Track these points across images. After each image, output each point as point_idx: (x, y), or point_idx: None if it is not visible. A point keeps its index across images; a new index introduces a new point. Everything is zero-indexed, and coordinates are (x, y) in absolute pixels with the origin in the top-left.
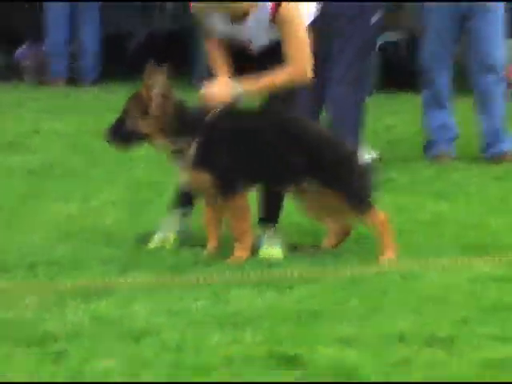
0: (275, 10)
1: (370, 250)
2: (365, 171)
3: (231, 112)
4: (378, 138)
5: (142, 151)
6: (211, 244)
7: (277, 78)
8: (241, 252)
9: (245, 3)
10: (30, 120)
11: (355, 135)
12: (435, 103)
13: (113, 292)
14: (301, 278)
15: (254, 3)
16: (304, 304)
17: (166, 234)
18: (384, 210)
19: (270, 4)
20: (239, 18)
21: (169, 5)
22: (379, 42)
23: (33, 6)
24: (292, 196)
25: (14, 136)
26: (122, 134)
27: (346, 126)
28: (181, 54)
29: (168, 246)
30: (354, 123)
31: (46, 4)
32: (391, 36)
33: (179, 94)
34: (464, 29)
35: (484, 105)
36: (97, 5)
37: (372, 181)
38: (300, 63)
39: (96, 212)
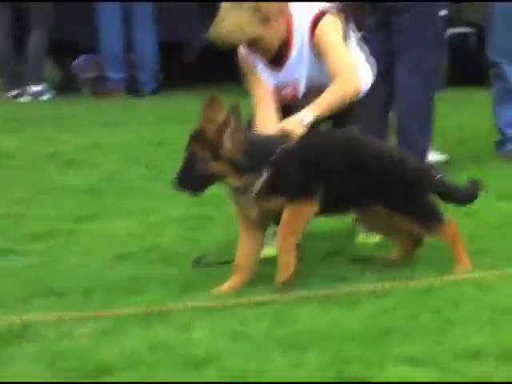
0: (312, 33)
1: (444, 258)
2: (432, 181)
3: (302, 138)
4: (446, 138)
5: None
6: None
7: (330, 97)
8: (287, 257)
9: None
10: (89, 134)
11: (427, 131)
12: (507, 98)
13: (172, 316)
14: (369, 292)
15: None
16: (372, 321)
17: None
18: (453, 214)
19: (306, 29)
20: (276, 60)
21: None
22: (447, 35)
23: (86, 16)
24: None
25: (72, 151)
26: (192, 181)
27: (417, 120)
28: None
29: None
30: (426, 117)
31: (98, 12)
32: (459, 29)
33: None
34: None
35: None
36: (151, 11)
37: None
38: (346, 75)
39: (155, 229)
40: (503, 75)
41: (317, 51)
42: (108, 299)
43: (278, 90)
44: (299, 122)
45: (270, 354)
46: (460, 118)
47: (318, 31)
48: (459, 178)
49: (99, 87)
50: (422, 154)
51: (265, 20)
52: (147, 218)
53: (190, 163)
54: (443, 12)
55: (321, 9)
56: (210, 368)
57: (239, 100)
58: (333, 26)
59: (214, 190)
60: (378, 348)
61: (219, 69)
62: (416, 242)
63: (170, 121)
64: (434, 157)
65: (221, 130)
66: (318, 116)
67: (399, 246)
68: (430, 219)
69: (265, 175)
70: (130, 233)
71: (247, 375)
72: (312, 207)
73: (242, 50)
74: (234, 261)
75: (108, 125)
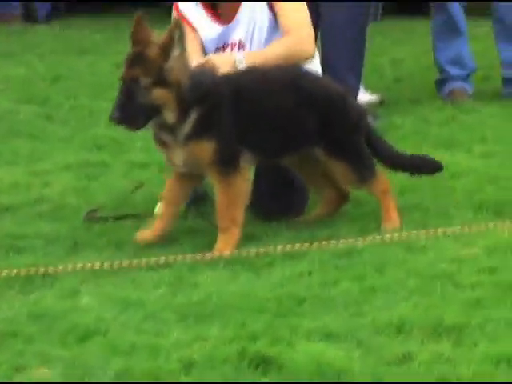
0: None
1: (370, 217)
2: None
3: (234, 75)
4: (381, 76)
5: (104, 104)
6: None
7: (276, 50)
8: (224, 245)
9: None
10: None
11: (356, 69)
12: (448, 31)
13: (57, 279)
14: (283, 254)
15: None
16: (284, 288)
17: None
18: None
19: None
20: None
21: None
22: None
23: None
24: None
25: None
26: (133, 113)
27: (345, 58)
28: None
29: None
30: (354, 55)
31: None
32: None
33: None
34: None
35: (506, 31)
36: None
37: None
38: (302, 33)
39: (44, 178)
40: (444, 5)
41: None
42: None
43: (217, 52)
44: (231, 61)
45: (166, 326)
46: (397, 52)
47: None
48: (393, 122)
49: None
50: (352, 94)
51: None
52: (36, 165)
53: (129, 91)
54: None
55: None
56: (96, 341)
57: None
58: None
59: (113, 132)
60: (288, 321)
61: None
62: (342, 198)
63: (69, 52)
64: (365, 97)
65: (165, 51)
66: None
67: (325, 201)
68: (365, 169)
69: (194, 112)
70: (14, 182)
71: (136, 351)
72: (244, 178)
73: (179, 4)
74: (133, 215)
75: (2, 56)
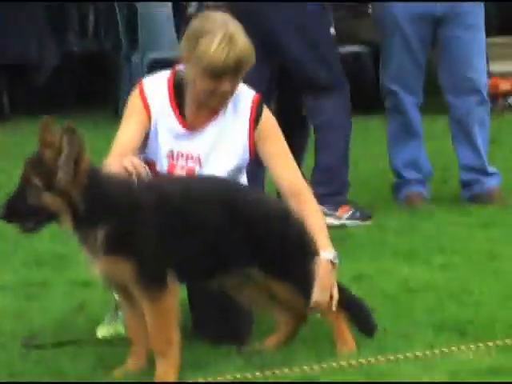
0: (255, 118)
1: (325, 338)
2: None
3: (154, 184)
4: None
5: None
6: (133, 359)
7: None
8: (166, 369)
9: None
10: None
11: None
12: (406, 134)
13: None
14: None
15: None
16: None
17: (113, 323)
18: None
19: (249, 105)
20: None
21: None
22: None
23: None
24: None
25: None
26: (22, 212)
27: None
28: (104, 80)
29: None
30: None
31: None
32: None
33: (104, 129)
34: (437, 36)
35: (464, 133)
36: None
37: None
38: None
39: None
40: (401, 107)
41: (261, 141)
42: None
43: (171, 157)
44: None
45: None
46: (352, 153)
47: (260, 134)
48: (347, 230)
49: None
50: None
51: None
52: None
53: (21, 191)
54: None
55: (255, 95)
56: None
57: (98, 130)
58: (275, 122)
59: (54, 247)
60: None
61: (76, 93)
62: (299, 318)
63: (13, 157)
64: None
65: (57, 156)
66: None
67: (280, 325)
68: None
69: (110, 224)
70: None
71: None
72: (173, 294)
73: (146, 86)
74: (72, 342)
75: None
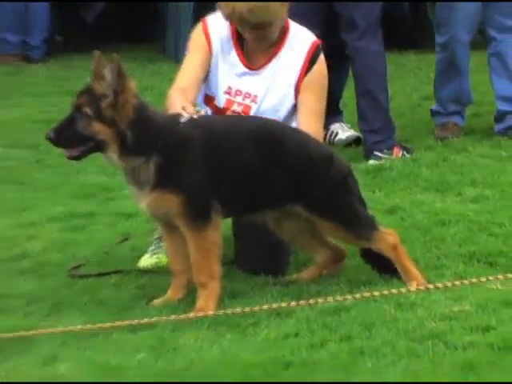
0: (309, 62)
1: (359, 270)
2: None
3: (203, 121)
4: None
5: None
6: (174, 290)
7: None
8: (207, 303)
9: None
10: None
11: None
12: (452, 67)
13: (36, 344)
14: (269, 313)
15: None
16: (271, 351)
17: (157, 254)
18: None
19: (306, 48)
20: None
21: None
22: None
23: None
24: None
25: None
26: (70, 137)
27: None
28: (152, 18)
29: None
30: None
31: None
32: None
33: (152, 67)
34: None
35: (503, 65)
36: None
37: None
38: None
39: (29, 231)
40: (451, 44)
41: (297, 98)
42: None
43: (229, 93)
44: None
45: None
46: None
47: (307, 82)
48: (382, 164)
49: None
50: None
51: (283, 3)
52: (22, 216)
53: (71, 119)
54: None
55: (315, 40)
56: None
57: (145, 68)
58: (325, 77)
59: (101, 181)
60: None
61: (125, 31)
62: (338, 257)
63: (63, 93)
64: (346, 133)
65: (101, 83)
66: None
67: (319, 262)
68: (360, 227)
69: (156, 158)
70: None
71: None
72: (216, 229)
73: (209, 23)
74: (116, 272)
75: None
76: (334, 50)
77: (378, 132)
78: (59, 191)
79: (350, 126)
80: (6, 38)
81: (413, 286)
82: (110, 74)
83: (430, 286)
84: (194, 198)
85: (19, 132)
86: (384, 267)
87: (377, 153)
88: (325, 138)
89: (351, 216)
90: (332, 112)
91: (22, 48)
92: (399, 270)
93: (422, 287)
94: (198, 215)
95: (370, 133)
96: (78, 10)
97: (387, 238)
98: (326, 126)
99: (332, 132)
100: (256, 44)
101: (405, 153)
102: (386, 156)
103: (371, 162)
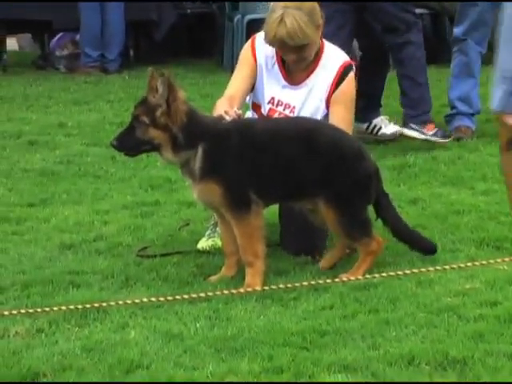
0: (338, 80)
1: (385, 252)
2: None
3: (243, 120)
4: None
5: None
6: (227, 268)
7: None
8: (254, 279)
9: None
10: (57, 112)
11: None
12: (465, 71)
13: (109, 313)
14: (308, 289)
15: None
16: (309, 321)
17: (213, 238)
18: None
19: (336, 67)
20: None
21: None
22: None
23: None
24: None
25: (37, 131)
26: (131, 143)
27: None
28: (211, 36)
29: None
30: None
31: None
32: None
33: (211, 77)
34: None
35: None
36: None
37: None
38: None
39: (104, 217)
40: (466, 50)
41: (328, 110)
42: (47, 293)
43: (272, 103)
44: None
45: (202, 360)
46: None
47: (334, 97)
48: (406, 161)
49: (74, 64)
50: None
51: (317, 26)
52: (97, 204)
53: (131, 126)
54: None
55: (346, 61)
56: (139, 375)
57: (206, 78)
58: (352, 92)
59: (166, 174)
60: (311, 354)
61: (188, 46)
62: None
63: (136, 99)
64: (392, 128)
65: (162, 99)
66: None
67: (336, 245)
68: (355, 227)
69: (201, 152)
70: (78, 221)
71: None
72: (257, 214)
73: (257, 41)
74: (177, 253)
75: (78, 103)
76: (373, 50)
77: (414, 107)
78: (130, 183)
79: (388, 118)
80: (87, 53)
81: (343, 277)
82: (162, 87)
83: (446, 267)
84: (233, 190)
85: (97, 132)
86: (414, 243)
87: (412, 125)
88: (366, 130)
89: (353, 217)
90: (373, 107)
91: (101, 61)
92: (355, 265)
93: (439, 267)
94: (239, 205)
95: (408, 107)
96: (148, 30)
97: (371, 243)
98: (368, 120)
99: (375, 126)
100: (295, 64)
101: (438, 134)
102: (419, 129)
103: (406, 131)
